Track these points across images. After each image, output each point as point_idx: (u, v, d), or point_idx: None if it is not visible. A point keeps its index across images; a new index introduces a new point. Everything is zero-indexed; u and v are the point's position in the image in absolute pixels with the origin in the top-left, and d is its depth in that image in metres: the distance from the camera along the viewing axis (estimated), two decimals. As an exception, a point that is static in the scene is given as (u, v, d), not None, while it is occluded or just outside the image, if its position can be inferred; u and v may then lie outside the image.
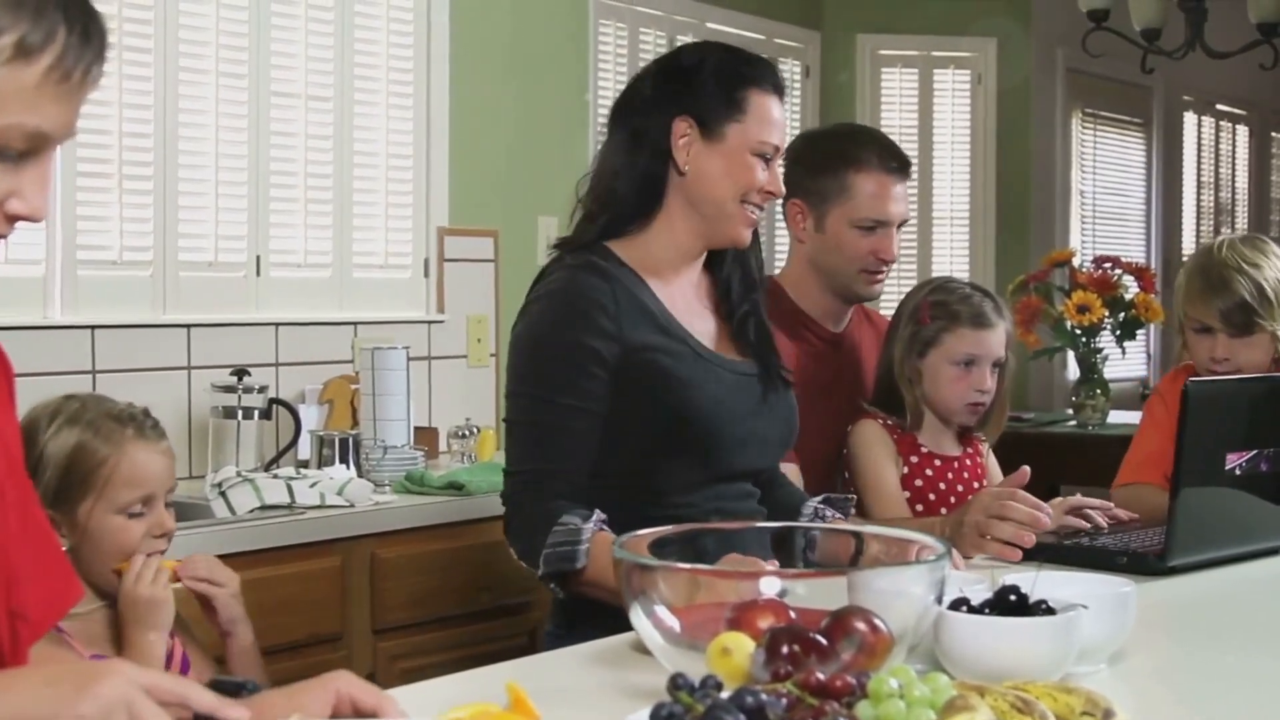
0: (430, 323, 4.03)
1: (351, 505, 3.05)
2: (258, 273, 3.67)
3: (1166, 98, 7.82)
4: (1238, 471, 2.31)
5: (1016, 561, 2.27)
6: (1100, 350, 4.91)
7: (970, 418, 2.78)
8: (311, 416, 3.59)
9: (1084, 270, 4.86)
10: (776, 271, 2.99)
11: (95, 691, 1.21)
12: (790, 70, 5.92)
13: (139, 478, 2.07)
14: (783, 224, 3.03)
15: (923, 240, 6.36)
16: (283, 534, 2.89)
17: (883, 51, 6.30)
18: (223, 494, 2.99)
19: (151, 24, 3.43)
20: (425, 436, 3.68)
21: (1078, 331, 4.81)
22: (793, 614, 1.47)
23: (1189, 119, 8.18)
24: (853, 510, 2.53)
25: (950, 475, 2.76)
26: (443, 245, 4.05)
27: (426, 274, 4.04)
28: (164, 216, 3.47)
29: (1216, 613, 2.10)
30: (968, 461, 2.80)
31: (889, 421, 2.77)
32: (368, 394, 3.45)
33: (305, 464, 3.37)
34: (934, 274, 5.73)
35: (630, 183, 2.28)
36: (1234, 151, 8.66)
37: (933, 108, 6.40)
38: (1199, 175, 8.31)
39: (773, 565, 1.81)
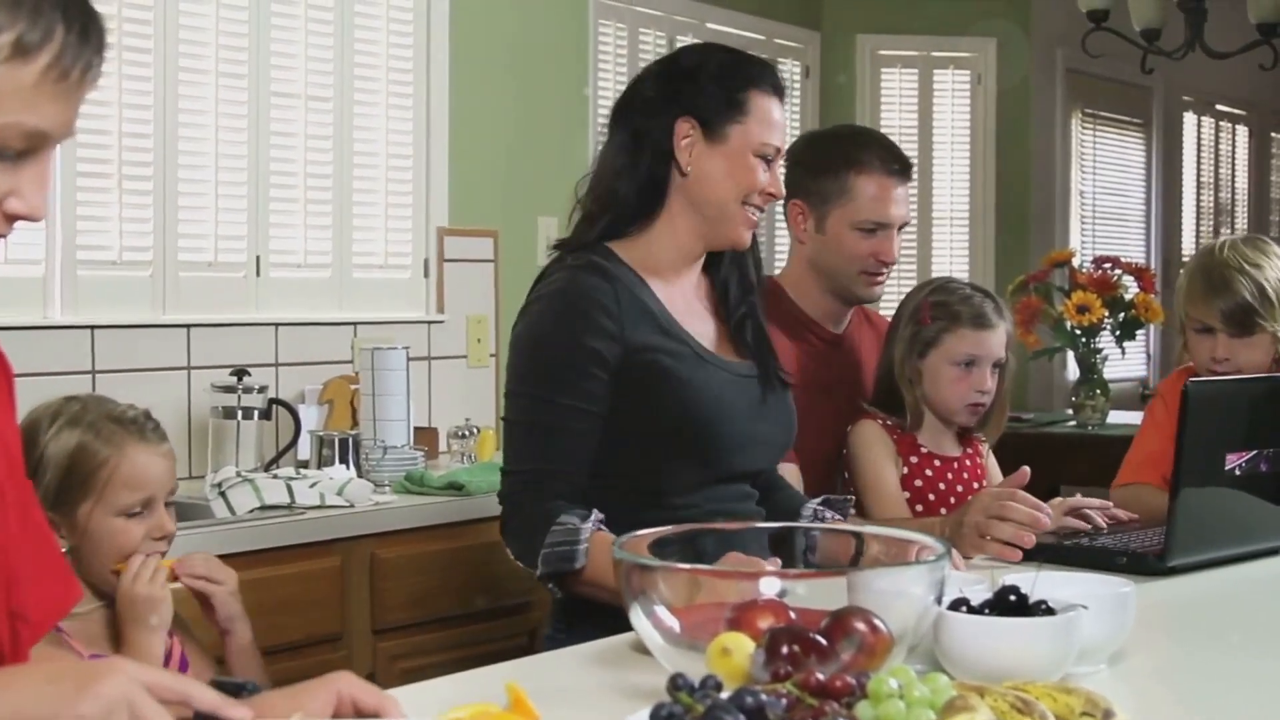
0: (430, 323, 4.03)
1: (351, 505, 3.05)
2: (257, 273, 3.67)
3: (1166, 98, 7.82)
4: (1237, 472, 2.31)
5: (1016, 562, 2.27)
6: (1100, 350, 4.91)
7: (970, 418, 2.78)
8: (311, 417, 3.59)
9: (1084, 270, 4.86)
10: (776, 272, 2.99)
11: (96, 690, 1.21)
12: (790, 70, 5.92)
13: (139, 480, 2.07)
14: (783, 225, 3.03)
15: (923, 240, 6.36)
16: (282, 534, 2.89)
17: (882, 52, 6.30)
18: (222, 494, 2.99)
19: (151, 24, 3.43)
20: (425, 437, 3.68)
21: (1077, 332, 4.81)
22: (793, 614, 1.47)
23: (1189, 119, 8.18)
24: (852, 511, 2.53)
25: (950, 476, 2.76)
26: (442, 245, 4.05)
27: (426, 274, 4.04)
28: (164, 216, 3.47)
29: (1216, 613, 2.10)
30: (967, 462, 2.80)
31: (889, 422, 2.77)
32: (367, 394, 3.45)
33: (305, 464, 3.37)
34: (934, 274, 5.74)
35: (632, 183, 2.28)
36: (1234, 152, 8.66)
37: (932, 108, 6.41)
38: (1199, 175, 8.31)
39: (774, 564, 1.81)
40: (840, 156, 2.76)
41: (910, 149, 5.44)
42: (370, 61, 3.92)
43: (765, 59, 2.40)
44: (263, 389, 3.41)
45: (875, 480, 2.72)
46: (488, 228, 4.17)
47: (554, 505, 2.13)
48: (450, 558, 3.15)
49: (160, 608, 2.03)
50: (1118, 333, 4.83)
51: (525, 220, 4.26)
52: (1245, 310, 2.75)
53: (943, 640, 1.57)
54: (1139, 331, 5.06)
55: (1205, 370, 2.81)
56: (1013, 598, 1.59)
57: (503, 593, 3.19)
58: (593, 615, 2.09)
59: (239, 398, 3.37)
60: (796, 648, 1.37)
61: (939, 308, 2.75)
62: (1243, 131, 8.72)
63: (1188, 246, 8.12)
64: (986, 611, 1.58)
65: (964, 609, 1.58)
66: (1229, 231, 8.46)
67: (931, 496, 2.74)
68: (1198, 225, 8.31)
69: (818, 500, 2.41)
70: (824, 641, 1.39)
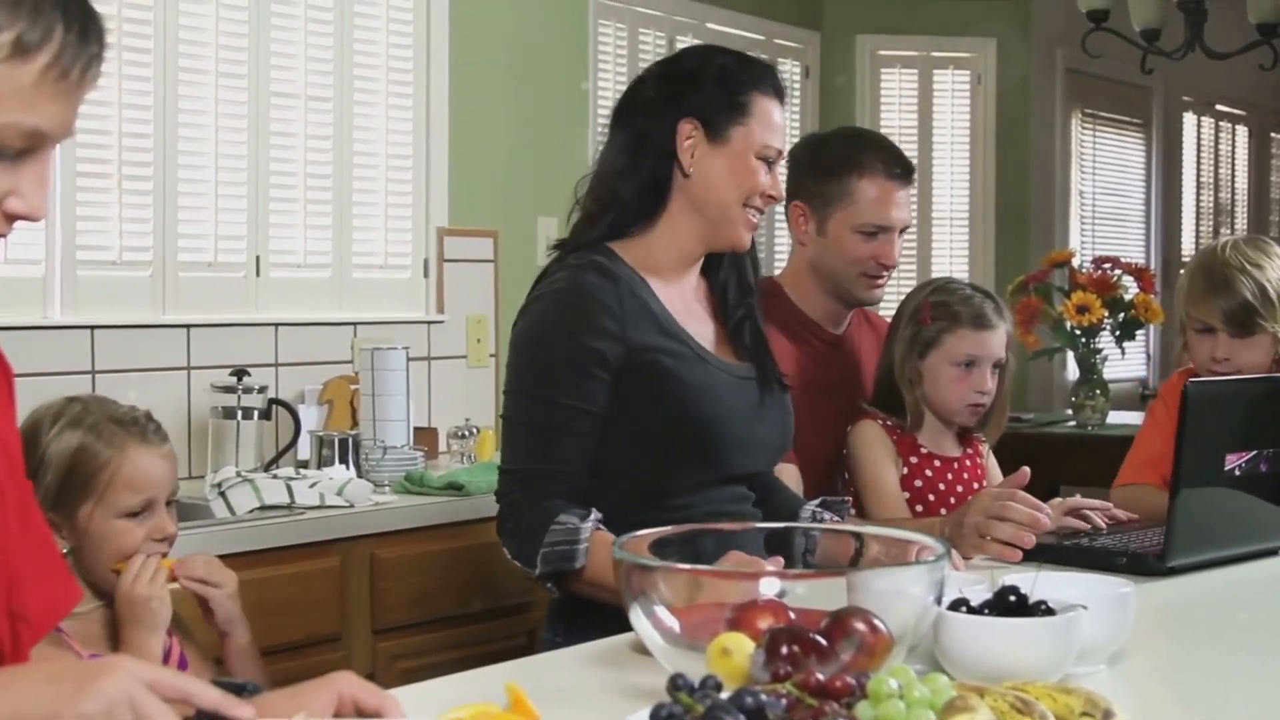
0: (430, 323, 4.03)
1: (351, 505, 3.05)
2: (257, 273, 3.67)
3: (1166, 98, 7.82)
4: (1237, 472, 2.31)
5: (1016, 562, 2.27)
6: (1100, 351, 4.91)
7: (970, 419, 2.78)
8: (311, 417, 3.59)
9: (1083, 271, 4.86)
10: (776, 273, 2.99)
11: (97, 688, 1.21)
12: (790, 71, 5.92)
13: (140, 481, 2.07)
14: (782, 226, 3.03)
15: (922, 241, 6.36)
16: (282, 534, 2.89)
17: (882, 52, 6.30)
18: (222, 494, 2.99)
19: (151, 24, 3.43)
20: (425, 437, 3.68)
21: (1077, 332, 4.81)
22: (792, 614, 1.47)
23: (1188, 119, 8.18)
24: (852, 512, 2.52)
25: (950, 476, 2.76)
26: (442, 245, 4.05)
27: (426, 274, 4.04)
28: (164, 216, 3.47)
29: (1216, 613, 2.09)
30: (967, 462, 2.80)
31: (889, 422, 2.77)
32: (367, 394, 3.45)
33: (305, 464, 3.37)
34: (934, 274, 5.75)
35: (634, 184, 2.28)
36: (1233, 152, 8.66)
37: (932, 108, 6.41)
38: (1198, 176, 8.31)
39: (775, 563, 1.81)
40: (843, 159, 2.76)
41: (910, 149, 5.45)
42: (370, 61, 3.92)
43: (766, 61, 2.40)
44: (263, 389, 3.41)
45: (875, 480, 2.72)
46: (488, 228, 4.17)
47: (553, 505, 2.13)
48: (450, 558, 3.15)
49: (159, 609, 2.03)
50: (1117, 333, 4.83)
51: (525, 220, 4.26)
52: (1246, 310, 2.75)
53: (943, 640, 1.57)
54: (1139, 332, 5.05)
55: (1205, 370, 2.81)
56: (1013, 598, 1.59)
57: (502, 593, 3.19)
58: (591, 615, 2.09)
59: (239, 398, 3.37)
60: (796, 648, 1.37)
61: (939, 308, 2.75)
62: (1243, 131, 8.72)
63: (1187, 247, 8.12)
64: (986, 612, 1.58)
65: (964, 609, 1.58)
66: (1229, 232, 8.46)
67: (931, 497, 2.74)
68: (1197, 225, 8.31)
69: (815, 502, 2.40)
70: (824, 642, 1.39)
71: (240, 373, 3.41)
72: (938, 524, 2.43)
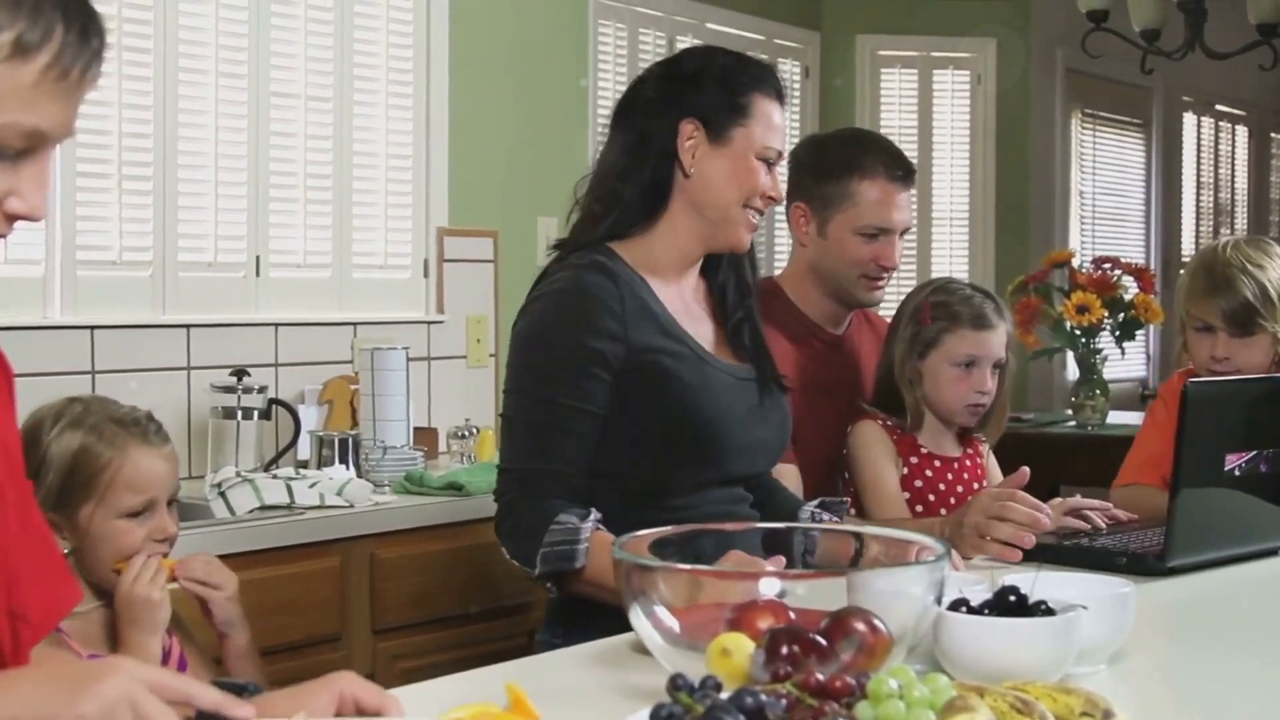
0: (430, 323, 4.03)
1: (351, 506, 3.05)
2: (257, 273, 3.67)
3: (1166, 98, 7.82)
4: (1237, 472, 2.31)
5: (1016, 562, 2.27)
6: (1100, 351, 4.91)
7: (970, 419, 2.78)
8: (311, 417, 3.59)
9: (1083, 271, 4.86)
10: (776, 273, 2.99)
11: (97, 690, 1.21)
12: (790, 71, 5.92)
13: (141, 482, 2.06)
14: (782, 227, 3.03)
15: (922, 241, 6.36)
16: (282, 534, 2.89)
17: (882, 52, 6.30)
18: (222, 494, 2.99)
19: (151, 24, 3.43)
20: (425, 437, 3.68)
21: (1077, 332, 4.81)
22: (792, 614, 1.47)
23: (1188, 119, 8.18)
24: (851, 512, 2.52)
25: (950, 476, 2.76)
26: (442, 245, 4.05)
27: (426, 274, 4.04)
28: (164, 216, 3.47)
29: (1216, 613, 2.10)
30: (967, 462, 2.80)
31: (889, 422, 2.77)
32: (367, 394, 3.45)
33: (305, 464, 3.37)
34: (934, 275, 5.75)
35: (635, 184, 2.28)
36: (1233, 152, 8.66)
37: (932, 108, 6.41)
38: (1198, 176, 8.31)
39: (777, 562, 1.81)
40: (844, 161, 2.76)
41: (910, 149, 5.45)
42: (370, 61, 3.92)
43: (767, 62, 2.40)
44: (262, 389, 3.41)
45: (875, 480, 2.72)
46: (487, 228, 4.17)
47: (552, 504, 2.13)
48: (450, 558, 3.15)
49: (158, 610, 2.02)
50: (1117, 333, 4.83)
51: (525, 220, 4.26)
52: (1247, 309, 2.76)
53: (942, 640, 1.57)
54: (1138, 332, 5.05)
55: (1204, 370, 2.81)
56: (1012, 598, 1.59)
57: (502, 593, 3.19)
58: (589, 617, 2.09)
59: (239, 398, 3.37)
60: (796, 648, 1.37)
61: (939, 308, 2.75)
62: (1242, 131, 8.72)
63: (1187, 247, 8.12)
64: (986, 612, 1.58)
65: (964, 609, 1.58)
66: (1229, 232, 8.46)
67: (931, 497, 2.74)
68: (1197, 226, 8.30)
69: (814, 503, 2.41)
70: (824, 642, 1.39)
71: (240, 373, 3.41)
72: (938, 524, 2.43)
